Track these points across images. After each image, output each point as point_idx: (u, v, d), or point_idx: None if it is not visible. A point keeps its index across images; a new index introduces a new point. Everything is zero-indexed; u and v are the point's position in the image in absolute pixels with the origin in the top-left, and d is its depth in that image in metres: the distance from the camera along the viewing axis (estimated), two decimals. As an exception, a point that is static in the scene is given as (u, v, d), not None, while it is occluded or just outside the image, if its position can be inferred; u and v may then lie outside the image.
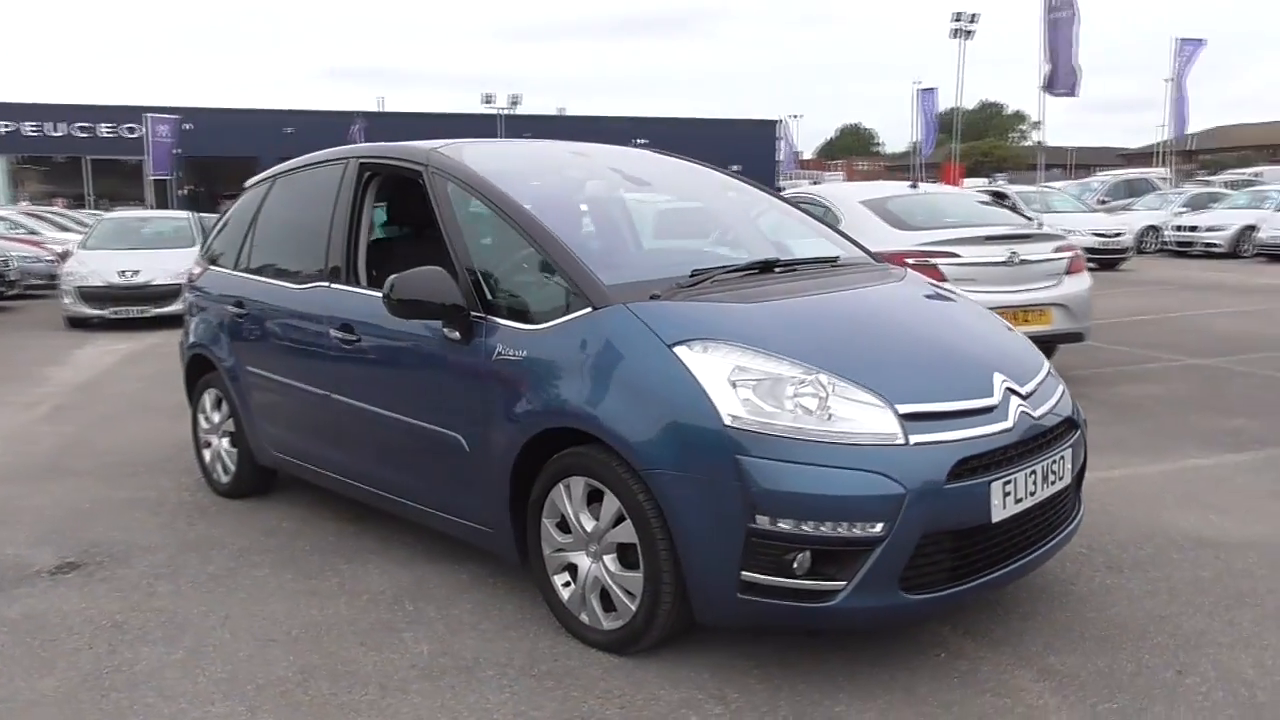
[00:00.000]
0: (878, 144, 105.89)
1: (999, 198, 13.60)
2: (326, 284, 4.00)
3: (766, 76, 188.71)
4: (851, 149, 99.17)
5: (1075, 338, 6.75)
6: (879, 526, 2.59)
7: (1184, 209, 21.29)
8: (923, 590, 2.70)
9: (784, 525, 2.61)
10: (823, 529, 2.60)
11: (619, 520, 2.92)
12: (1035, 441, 2.93)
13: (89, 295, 12.05)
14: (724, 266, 3.31)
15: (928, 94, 31.78)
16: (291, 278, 4.27)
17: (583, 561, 3.07)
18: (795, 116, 56.91)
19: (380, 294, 3.66)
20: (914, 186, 7.68)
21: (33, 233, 18.24)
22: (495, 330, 3.22)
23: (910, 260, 5.07)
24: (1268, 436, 5.40)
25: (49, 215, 21.85)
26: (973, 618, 3.17)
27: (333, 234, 4.02)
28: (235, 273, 4.68)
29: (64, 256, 13.97)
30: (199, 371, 4.96)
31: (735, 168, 4.92)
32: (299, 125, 44.34)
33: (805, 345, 2.87)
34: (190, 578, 3.79)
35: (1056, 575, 3.50)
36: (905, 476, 2.62)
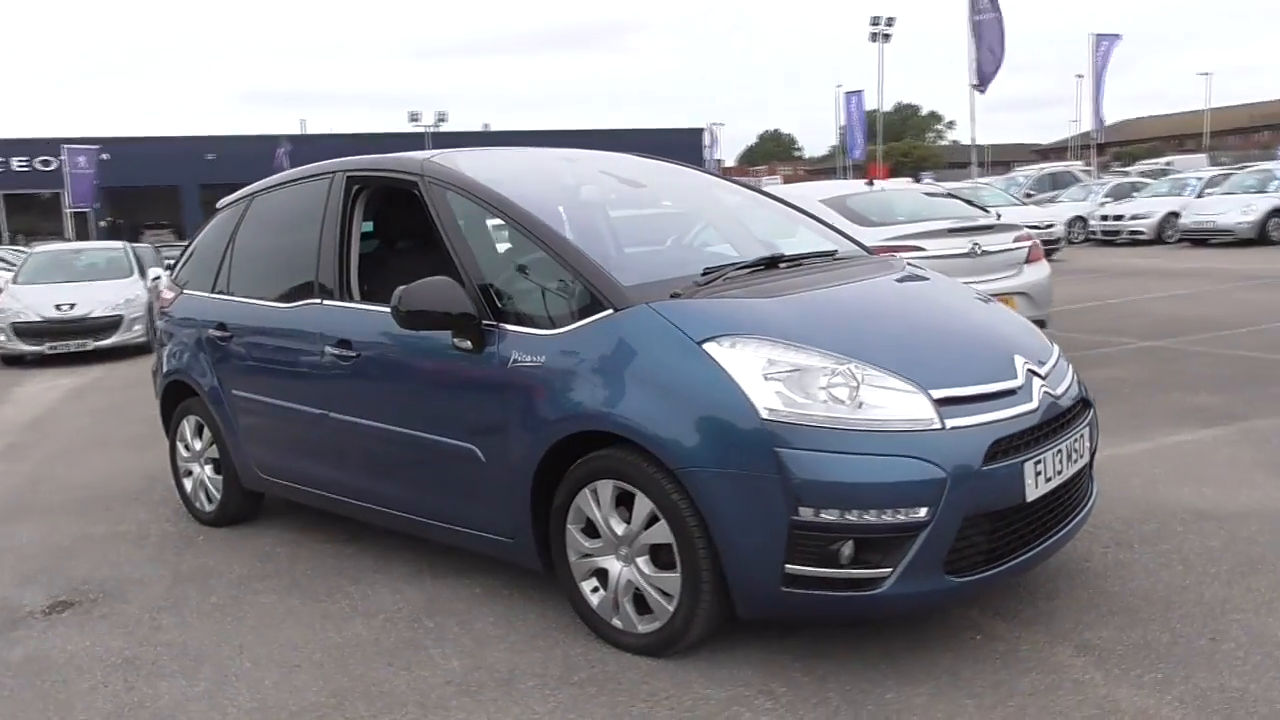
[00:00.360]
0: (798, 149, 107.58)
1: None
2: (318, 301, 3.90)
3: (686, 86, 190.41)
4: (772, 154, 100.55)
5: (1038, 325, 6.89)
6: (923, 511, 2.61)
7: (1108, 199, 22.02)
8: (965, 573, 2.73)
9: (828, 516, 2.61)
10: (867, 517, 2.61)
11: (651, 521, 2.89)
12: (1058, 421, 2.99)
13: (24, 331, 11.62)
14: (734, 264, 3.31)
15: (854, 96, 32.37)
16: (278, 297, 4.15)
17: (613, 565, 3.03)
18: (718, 124, 57.34)
19: (377, 308, 3.64)
20: (870, 184, 7.80)
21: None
22: (508, 337, 3.18)
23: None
24: (1235, 411, 5.59)
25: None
26: (1000, 599, 3.21)
27: (322, 250, 3.93)
28: (213, 296, 4.54)
29: (-8, 293, 13.43)
30: (176, 399, 4.80)
31: None
32: (220, 151, 43.42)
33: (831, 336, 2.88)
34: (194, 609, 3.65)
35: (1070, 554, 3.56)
36: (945, 460, 2.64)
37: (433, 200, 3.52)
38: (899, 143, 70.72)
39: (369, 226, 4.18)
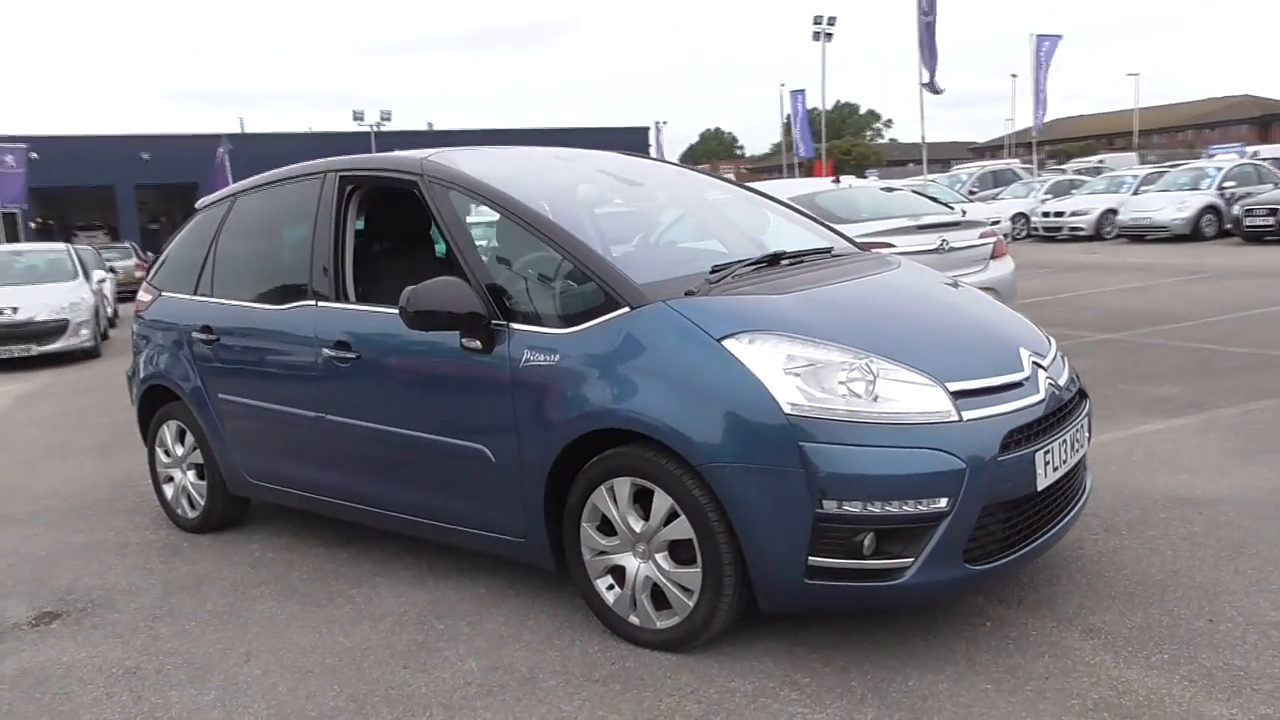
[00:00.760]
0: (739, 147, 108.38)
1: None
2: (313, 303, 3.84)
3: (628, 85, 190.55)
4: (714, 153, 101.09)
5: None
6: (943, 502, 2.67)
7: (1048, 196, 22.58)
8: (982, 561, 2.80)
9: (851, 508, 2.66)
10: (890, 508, 2.66)
11: (671, 518, 2.91)
12: (1061, 411, 3.08)
13: (-36, 336, 11.21)
14: (741, 261, 3.34)
15: (799, 95, 32.69)
16: (268, 298, 4.08)
17: (630, 562, 3.05)
18: (661, 123, 57.55)
19: (376, 309, 3.61)
20: (836, 182, 7.91)
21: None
22: (519, 337, 3.17)
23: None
24: (1198, 400, 5.79)
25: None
26: (1004, 587, 3.29)
27: (315, 251, 3.87)
28: (196, 298, 4.45)
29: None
30: (154, 404, 4.69)
31: None
32: (156, 151, 42.29)
33: (846, 331, 2.93)
34: (191, 617, 3.58)
35: (1064, 541, 3.63)
36: (963, 452, 2.71)
37: (434, 199, 3.49)
38: (840, 141, 71.61)
39: (359, 226, 4.13)
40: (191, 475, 4.55)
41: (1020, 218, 22.03)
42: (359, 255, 3.87)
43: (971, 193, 24.63)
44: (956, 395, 2.80)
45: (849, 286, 3.34)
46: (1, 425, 8.07)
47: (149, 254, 26.38)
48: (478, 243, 3.45)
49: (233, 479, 4.34)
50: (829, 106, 35.64)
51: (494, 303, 3.22)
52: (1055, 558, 3.52)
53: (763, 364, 2.78)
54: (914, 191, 8.19)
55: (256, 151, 30.64)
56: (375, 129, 40.74)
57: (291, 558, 4.15)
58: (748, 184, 4.44)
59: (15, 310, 11.42)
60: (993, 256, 7.02)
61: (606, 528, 3.08)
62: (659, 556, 2.97)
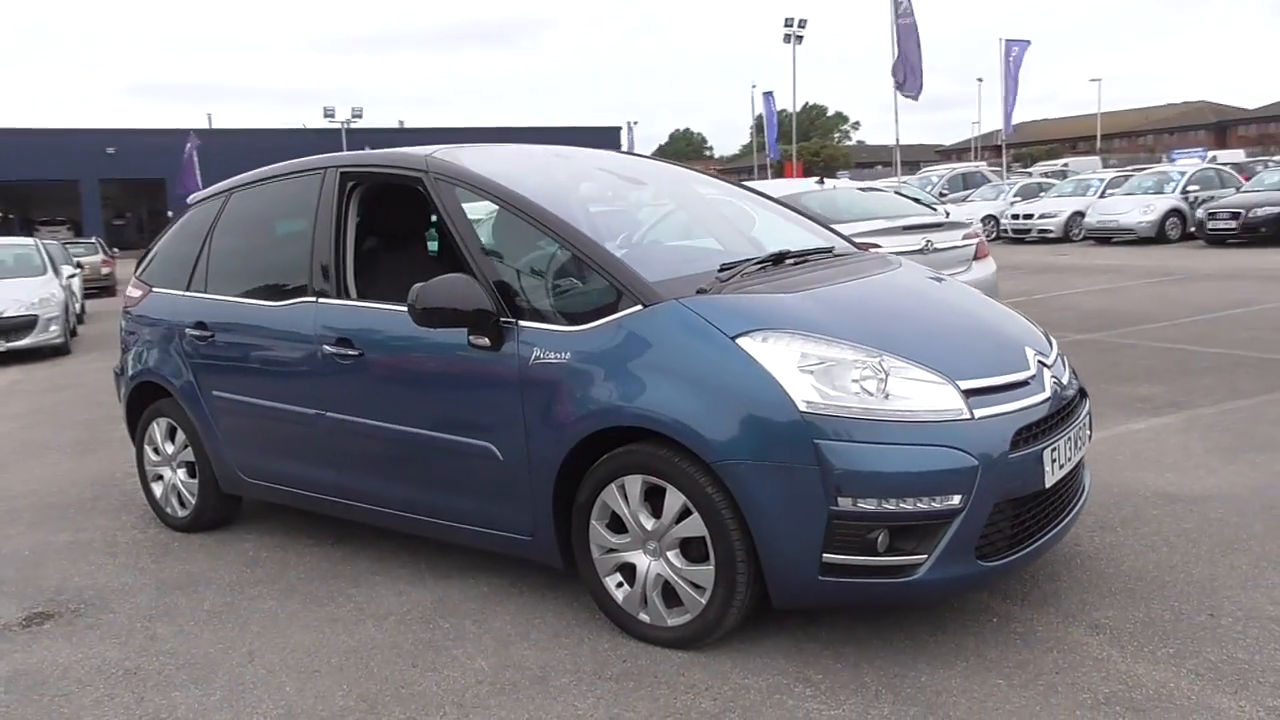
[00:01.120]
0: (709, 148, 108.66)
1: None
2: (313, 299, 3.80)
3: (598, 85, 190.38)
4: (683, 154, 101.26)
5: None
6: (957, 499, 2.70)
7: (1017, 198, 22.87)
8: (992, 557, 2.83)
9: (866, 505, 2.68)
10: (904, 505, 2.68)
11: (683, 515, 2.92)
12: (1065, 410, 3.12)
13: (-71, 332, 10.97)
14: (749, 259, 3.35)
15: (770, 96, 32.84)
16: (266, 294, 4.04)
17: (640, 560, 3.05)
18: (633, 123, 57.62)
19: (380, 305, 3.59)
20: (821, 183, 7.95)
21: None
22: (528, 334, 3.16)
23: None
24: (1178, 400, 5.90)
25: None
26: (1007, 583, 3.33)
27: (315, 247, 3.83)
28: (190, 294, 4.38)
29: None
30: (144, 401, 4.61)
31: None
32: (121, 145, 41.68)
33: (858, 330, 2.95)
34: (188, 617, 3.53)
35: (1062, 539, 3.71)
36: (976, 449, 2.73)
37: (440, 197, 3.47)
38: (808, 142, 72.04)
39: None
40: (182, 473, 4.49)
41: (990, 219, 22.27)
42: (360, 252, 3.84)
43: (942, 194, 24.88)
44: (968, 393, 2.83)
45: (855, 285, 3.36)
46: (-29, 423, 7.88)
47: (115, 250, 25.93)
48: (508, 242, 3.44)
49: (226, 477, 4.29)
50: (796, 109, 35.75)
51: (504, 300, 3.21)
52: (1055, 554, 3.56)
53: (777, 362, 2.79)
54: (896, 193, 8.25)
55: (227, 146, 30.27)
56: (346, 126, 40.36)
57: (286, 556, 4.11)
58: (746, 184, 4.45)
59: (-18, 306, 11.19)
60: (975, 257, 7.09)
61: (616, 525, 3.08)
62: (670, 554, 2.98)
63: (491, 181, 3.42)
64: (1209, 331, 8.41)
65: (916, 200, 8.10)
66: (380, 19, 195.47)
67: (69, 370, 10.62)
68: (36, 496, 5.34)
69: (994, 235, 22.10)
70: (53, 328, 11.52)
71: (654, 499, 2.98)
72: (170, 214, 35.93)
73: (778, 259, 3.45)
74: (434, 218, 4.30)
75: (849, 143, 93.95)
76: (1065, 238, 20.46)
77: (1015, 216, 21.65)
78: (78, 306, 15.04)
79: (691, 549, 2.94)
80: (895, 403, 2.76)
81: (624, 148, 47.96)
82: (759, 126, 42.54)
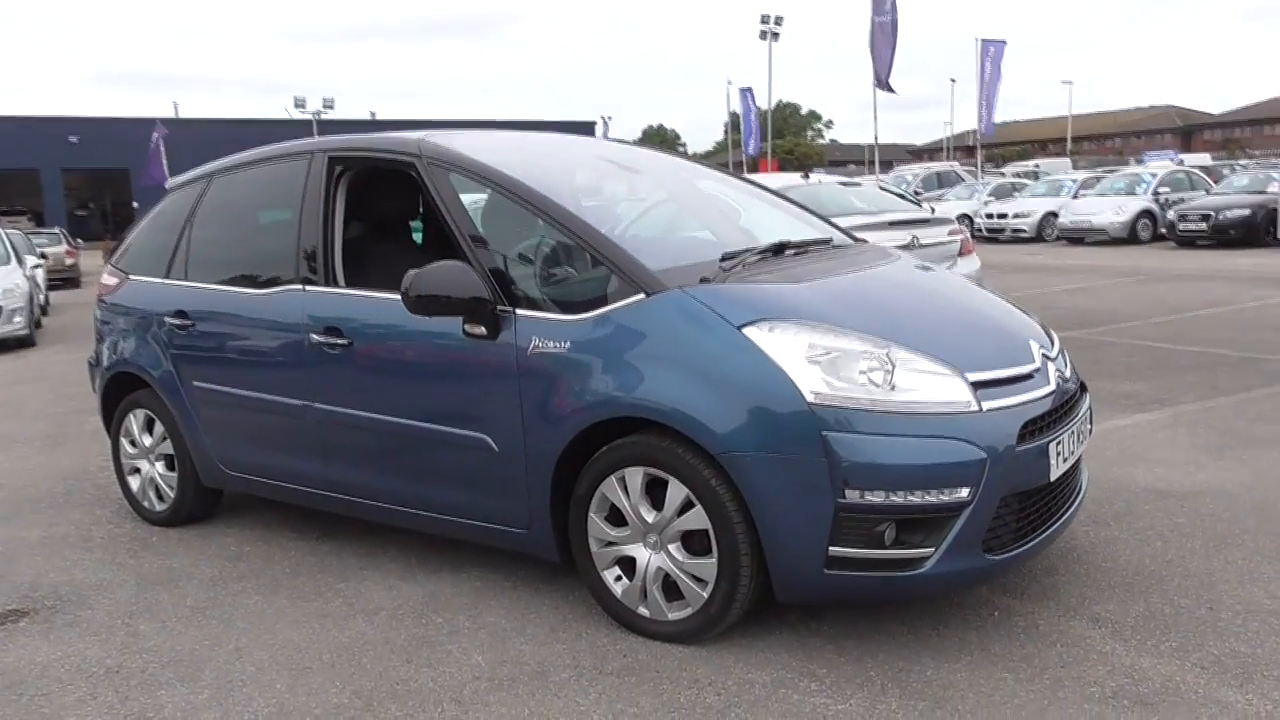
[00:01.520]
0: (681, 144, 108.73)
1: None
2: (300, 287, 3.71)
3: (571, 79, 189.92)
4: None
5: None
6: (964, 492, 2.67)
7: (991, 198, 23.05)
8: (999, 551, 2.81)
9: (874, 498, 2.64)
10: (912, 498, 2.65)
11: (685, 508, 2.87)
12: (1068, 403, 3.10)
13: (-110, 322, 10.67)
14: (750, 249, 3.30)
15: (747, 92, 32.88)
16: (250, 282, 3.93)
17: (640, 553, 2.99)
18: (607, 118, 57.47)
19: (370, 293, 3.51)
20: (805, 177, 7.93)
21: None
22: (526, 323, 3.09)
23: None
24: (1162, 397, 5.93)
25: None
26: (1007, 577, 3.30)
27: (302, 233, 3.74)
28: (169, 281, 4.27)
29: None
30: (120, 393, 4.49)
31: None
32: (84, 134, 40.97)
33: (864, 321, 2.91)
34: (171, 613, 3.43)
35: (1057, 532, 3.71)
36: (984, 442, 2.71)
37: (434, 182, 3.39)
38: (782, 140, 72.27)
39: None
40: (160, 466, 4.37)
41: (964, 219, 22.41)
42: (348, 238, 3.75)
43: (917, 193, 25.02)
44: (975, 386, 2.80)
45: (858, 277, 3.33)
46: (-65, 415, 7.67)
47: (78, 241, 25.44)
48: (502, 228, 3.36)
49: (206, 470, 4.18)
50: (769, 107, 35.78)
51: (501, 288, 3.14)
52: (1052, 549, 3.54)
53: (784, 352, 2.75)
54: (881, 188, 8.25)
55: (194, 136, 29.77)
56: (317, 117, 39.92)
57: (270, 551, 4.01)
58: (745, 175, 4.41)
59: (-56, 296, 10.91)
60: (960, 253, 7.11)
61: (615, 518, 3.02)
62: (672, 547, 2.92)
63: (488, 167, 3.35)
64: (1185, 330, 8.49)
65: (902, 196, 8.09)
66: (351, 10, 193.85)
67: (34, 363, 10.38)
68: (6, 491, 5.19)
69: (968, 234, 22.25)
70: (17, 319, 11.26)
71: (655, 491, 2.93)
72: (136, 205, 35.39)
73: (778, 249, 3.40)
74: (421, 208, 4.23)
75: (821, 141, 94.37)
76: (1038, 237, 20.65)
77: (990, 216, 21.82)
78: (42, 298, 14.73)
79: (693, 542, 2.89)
80: (903, 394, 2.72)
81: (598, 144, 47.71)
82: (734, 123, 42.55)
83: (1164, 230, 18.44)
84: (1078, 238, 19.62)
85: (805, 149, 74.75)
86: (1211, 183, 20.20)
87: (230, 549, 4.06)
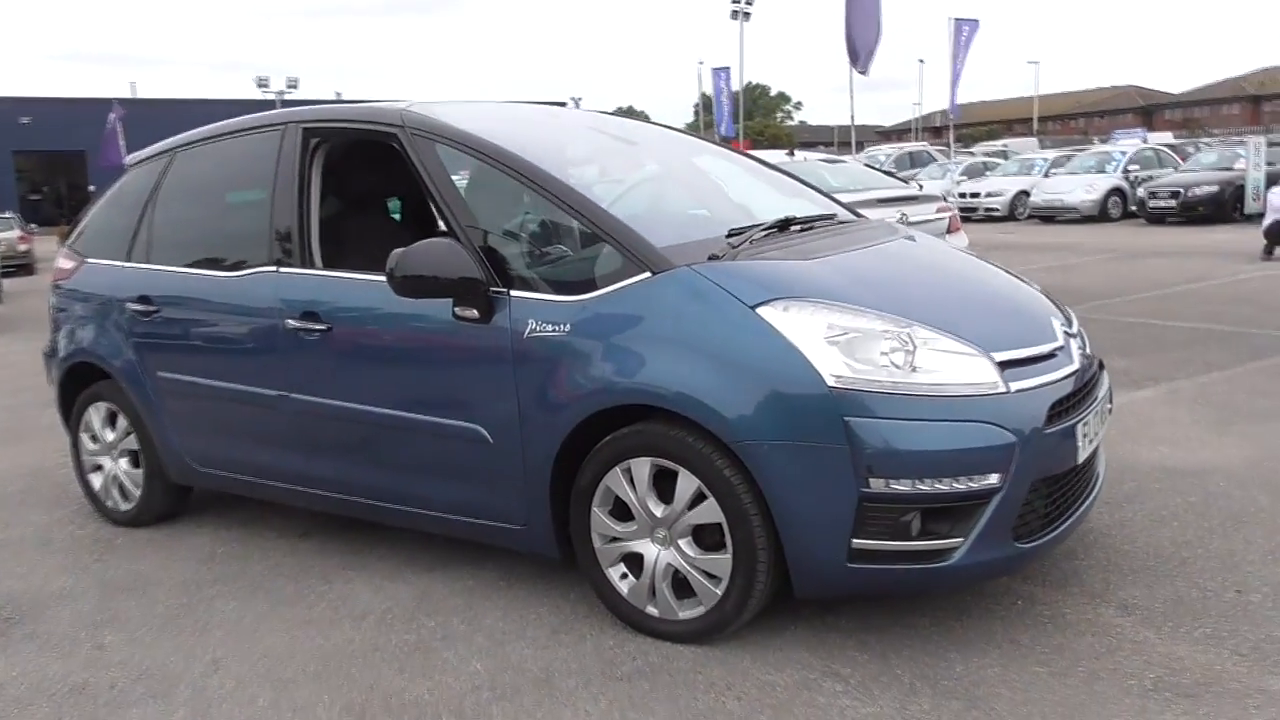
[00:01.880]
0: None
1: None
2: (274, 269, 3.47)
3: (539, 57, 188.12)
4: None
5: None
6: (994, 478, 2.51)
7: (963, 177, 23.02)
8: (1029, 538, 2.66)
9: (900, 486, 2.48)
10: (940, 486, 2.49)
11: (697, 500, 2.69)
12: (1090, 382, 2.96)
13: None
14: (757, 225, 3.12)
15: (721, 72, 32.48)
16: (219, 264, 3.69)
17: (648, 549, 2.81)
18: (578, 99, 56.95)
19: (351, 275, 3.31)
20: (791, 155, 7.76)
21: None
22: (522, 305, 2.89)
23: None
24: (1155, 373, 5.84)
25: None
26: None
27: (275, 211, 3.50)
28: (130, 265, 4.01)
29: None
30: (79, 385, 4.23)
31: None
32: (37, 115, 39.86)
33: (882, 299, 2.74)
34: (140, 623, 3.20)
35: (1071, 515, 3.57)
36: (1013, 425, 2.55)
37: (419, 154, 3.16)
38: (752, 122, 72.14)
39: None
40: (124, 463, 4.12)
41: (935, 198, 22.41)
42: (325, 216, 3.51)
43: (889, 173, 24.97)
44: (1001, 366, 2.64)
45: (869, 253, 3.15)
46: (-116, 412, 7.31)
47: (33, 226, 24.70)
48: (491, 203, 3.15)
49: (175, 466, 3.94)
50: (740, 87, 35.46)
51: (493, 267, 2.93)
52: (1068, 533, 3.42)
53: (802, 333, 2.57)
54: (867, 165, 8.10)
55: (154, 116, 28.88)
56: (281, 97, 39.07)
57: (247, 551, 3.78)
58: (746, 151, 4.22)
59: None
60: (949, 231, 6.98)
61: (620, 512, 2.84)
62: (682, 542, 2.75)
63: (478, 138, 3.13)
64: (1168, 306, 8.45)
65: (888, 173, 7.95)
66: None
67: (-12, 355, 9.99)
68: (-41, 491, 4.90)
69: (939, 214, 22.24)
70: (-30, 310, 10.83)
71: (663, 483, 2.74)
72: (93, 189, 34.45)
73: (783, 225, 3.21)
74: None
75: (791, 123, 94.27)
76: (1011, 216, 20.67)
77: (962, 195, 21.76)
78: (-4, 287, 14.26)
79: (705, 536, 2.72)
80: (927, 376, 2.55)
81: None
82: (705, 104, 42.22)
83: (1134, 208, 18.50)
84: (1049, 216, 19.67)
85: (775, 130, 74.66)
86: (1180, 160, 20.30)
87: (203, 550, 3.83)
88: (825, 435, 2.50)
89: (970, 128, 61.64)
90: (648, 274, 2.75)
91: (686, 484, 2.69)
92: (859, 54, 15.23)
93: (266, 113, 3.70)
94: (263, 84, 39.60)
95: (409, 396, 3.15)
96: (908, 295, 2.84)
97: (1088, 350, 3.08)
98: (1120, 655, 2.61)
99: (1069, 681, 2.50)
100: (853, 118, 16.18)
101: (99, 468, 4.23)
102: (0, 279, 15.75)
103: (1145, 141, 25.59)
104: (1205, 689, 2.43)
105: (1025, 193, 20.51)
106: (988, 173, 23.12)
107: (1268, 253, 11.37)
